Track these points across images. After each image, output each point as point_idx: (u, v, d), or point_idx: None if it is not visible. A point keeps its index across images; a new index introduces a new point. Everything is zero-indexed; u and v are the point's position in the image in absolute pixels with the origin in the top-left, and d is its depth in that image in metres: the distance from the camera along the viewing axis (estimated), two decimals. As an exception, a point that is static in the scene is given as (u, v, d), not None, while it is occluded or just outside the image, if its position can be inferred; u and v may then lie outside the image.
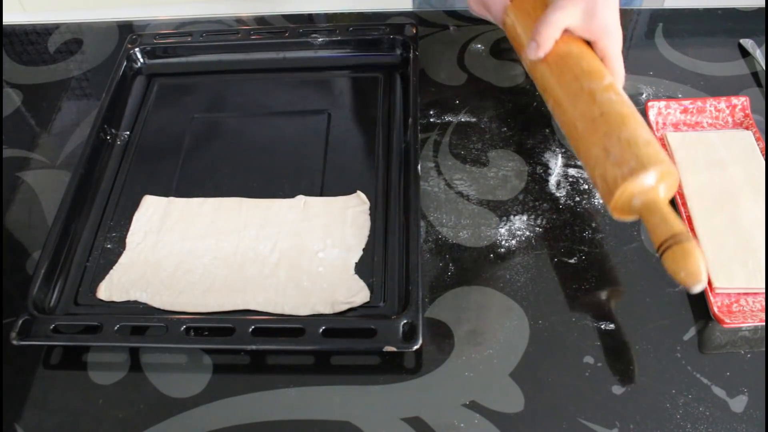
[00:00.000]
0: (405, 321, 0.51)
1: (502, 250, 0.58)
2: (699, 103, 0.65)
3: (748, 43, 0.74)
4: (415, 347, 0.50)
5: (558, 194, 0.62)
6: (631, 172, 0.49)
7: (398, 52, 0.74)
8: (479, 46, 0.76)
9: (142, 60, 0.76)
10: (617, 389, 0.50)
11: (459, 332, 0.54)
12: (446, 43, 0.77)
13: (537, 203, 0.61)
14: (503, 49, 0.76)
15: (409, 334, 0.50)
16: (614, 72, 0.58)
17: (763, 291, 0.53)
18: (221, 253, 0.58)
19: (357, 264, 0.57)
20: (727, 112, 0.66)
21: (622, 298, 0.55)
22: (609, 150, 0.51)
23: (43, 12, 1.93)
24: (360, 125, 0.68)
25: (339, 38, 0.74)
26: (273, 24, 0.81)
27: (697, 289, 0.46)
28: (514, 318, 0.54)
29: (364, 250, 0.58)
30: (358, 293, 0.55)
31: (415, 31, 0.73)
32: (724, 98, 0.66)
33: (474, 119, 0.69)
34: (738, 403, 0.49)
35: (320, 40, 0.74)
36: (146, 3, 1.83)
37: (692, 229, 0.57)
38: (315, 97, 0.72)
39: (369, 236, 0.59)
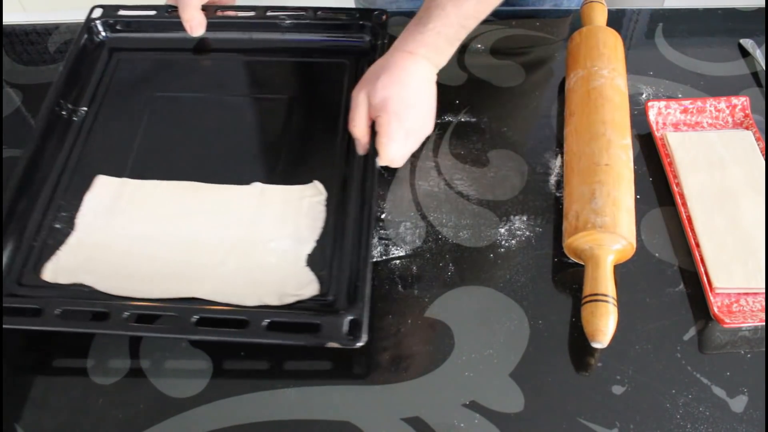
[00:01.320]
0: (350, 317, 0.50)
1: (502, 250, 0.58)
2: (699, 103, 0.65)
3: (748, 43, 0.74)
4: (359, 344, 0.49)
5: (558, 194, 0.62)
6: (602, 225, 0.53)
7: (367, 38, 0.72)
8: (479, 46, 0.76)
9: (104, 33, 0.73)
10: (617, 389, 0.50)
11: (459, 332, 0.54)
12: (446, 43, 0.77)
13: (537, 203, 0.61)
14: (503, 49, 0.76)
15: (354, 331, 0.49)
16: (380, 151, 0.56)
17: (763, 291, 0.53)
18: (172, 239, 0.57)
19: (309, 256, 0.56)
20: (727, 112, 0.66)
21: (622, 298, 0.55)
22: (595, 196, 0.55)
23: (43, 12, 1.93)
24: (323, 112, 0.66)
25: (307, 21, 0.72)
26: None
27: (595, 345, 0.51)
28: (514, 318, 0.54)
29: (317, 241, 0.56)
30: (307, 286, 0.53)
31: (385, 18, 0.71)
32: (724, 98, 0.66)
33: (474, 119, 0.69)
34: (738, 403, 0.49)
35: (288, 22, 0.72)
36: (145, 3, 1.83)
37: (692, 229, 0.57)
38: (279, 81, 0.70)
39: (323, 228, 0.57)
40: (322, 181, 0.60)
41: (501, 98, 0.71)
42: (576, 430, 0.49)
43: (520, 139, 0.67)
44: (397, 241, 0.59)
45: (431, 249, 0.59)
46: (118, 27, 0.74)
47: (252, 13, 0.73)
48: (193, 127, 0.66)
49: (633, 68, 0.73)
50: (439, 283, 0.57)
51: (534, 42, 0.77)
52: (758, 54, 0.72)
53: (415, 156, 0.66)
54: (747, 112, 0.65)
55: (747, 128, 0.65)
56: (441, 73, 0.73)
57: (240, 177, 0.61)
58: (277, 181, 0.61)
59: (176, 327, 0.50)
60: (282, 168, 0.62)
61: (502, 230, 0.60)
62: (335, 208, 0.59)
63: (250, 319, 0.50)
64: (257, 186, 0.60)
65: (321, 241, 0.57)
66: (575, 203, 0.56)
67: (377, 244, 0.59)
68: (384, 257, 0.58)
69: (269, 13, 0.72)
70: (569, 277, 0.56)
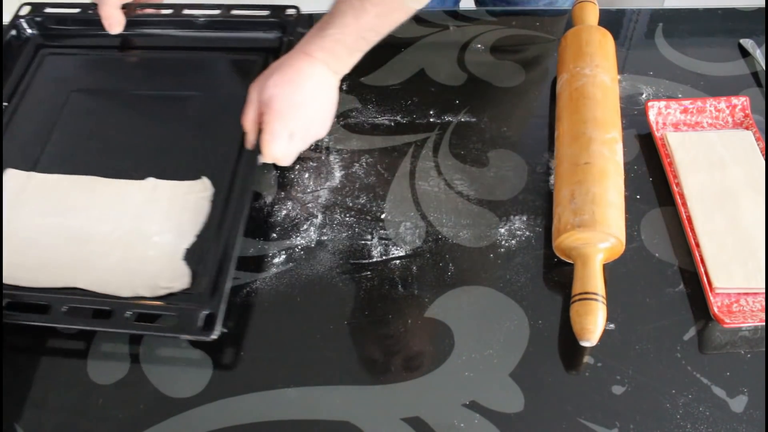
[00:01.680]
0: (206, 311, 0.51)
1: (502, 250, 0.58)
2: (699, 103, 0.65)
3: (748, 43, 0.74)
4: (212, 337, 0.51)
5: (558, 194, 0.62)
6: (581, 224, 0.53)
7: (278, 35, 0.74)
8: (479, 46, 0.76)
9: (30, 30, 0.76)
10: (617, 389, 0.50)
11: (459, 332, 0.54)
12: (446, 43, 0.77)
13: (537, 203, 0.61)
14: (503, 49, 0.76)
15: (208, 324, 0.51)
16: (262, 148, 0.57)
17: (763, 291, 0.53)
18: (65, 231, 0.59)
19: (188, 250, 0.57)
20: (727, 112, 0.66)
21: (622, 298, 0.55)
22: (575, 196, 0.55)
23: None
24: (228, 108, 0.67)
25: (220, 19, 0.74)
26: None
27: (584, 343, 0.51)
28: (514, 318, 0.54)
29: (197, 236, 0.58)
30: (179, 279, 0.55)
31: (296, 14, 0.73)
32: (724, 98, 0.66)
33: (474, 119, 0.69)
34: (738, 403, 0.49)
35: (202, 19, 0.74)
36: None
37: (692, 229, 0.57)
38: (190, 78, 0.72)
39: (205, 223, 0.59)
40: (215, 177, 0.62)
41: (501, 98, 0.71)
42: (576, 430, 0.49)
43: (520, 139, 0.67)
44: (397, 241, 0.59)
45: (431, 249, 0.59)
46: (44, 24, 0.76)
47: (170, 11, 0.75)
48: (104, 123, 0.69)
49: (633, 68, 0.73)
50: (439, 283, 0.57)
51: (534, 42, 0.77)
52: (758, 54, 0.72)
53: (415, 156, 0.66)
54: (747, 112, 0.65)
55: (747, 128, 0.65)
56: (441, 73, 0.74)
57: (139, 172, 0.63)
58: (176, 177, 0.63)
59: (48, 317, 0.52)
60: (179, 163, 0.64)
61: (502, 230, 0.60)
62: (222, 203, 0.60)
63: (115, 309, 0.52)
64: (150, 181, 0.62)
65: (201, 236, 0.58)
66: (559, 206, 0.57)
67: (377, 244, 0.59)
68: (384, 257, 0.58)
69: (185, 11, 0.75)
70: (569, 277, 0.56)
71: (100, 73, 0.73)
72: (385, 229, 0.60)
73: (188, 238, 0.58)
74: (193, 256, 0.57)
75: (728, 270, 0.54)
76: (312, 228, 0.61)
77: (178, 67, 0.73)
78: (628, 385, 0.50)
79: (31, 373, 0.53)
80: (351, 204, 0.62)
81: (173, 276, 0.55)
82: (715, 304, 0.53)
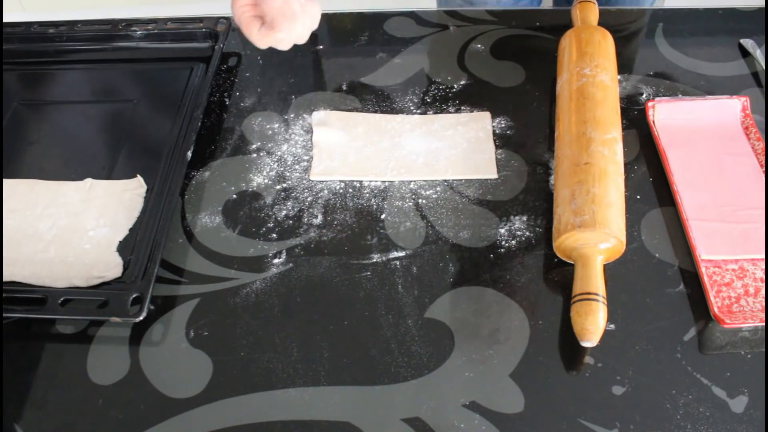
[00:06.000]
0: (134, 294, 0.54)
1: (502, 250, 0.58)
2: (699, 103, 0.65)
3: (748, 43, 0.74)
4: (140, 318, 0.53)
5: (558, 194, 0.62)
6: (582, 224, 0.53)
7: (210, 44, 0.78)
8: (479, 46, 0.76)
9: None
10: (617, 389, 0.50)
11: (459, 332, 0.54)
12: (446, 43, 0.77)
13: (537, 203, 0.61)
14: (503, 49, 0.76)
15: (136, 306, 0.54)
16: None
17: (763, 287, 0.54)
18: (5, 230, 0.62)
19: (121, 242, 0.60)
20: (728, 112, 0.66)
21: (622, 298, 0.55)
22: (575, 197, 0.56)
23: (43, 12, 1.93)
24: (163, 113, 0.72)
25: (156, 31, 0.78)
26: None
27: (585, 344, 0.51)
28: (514, 318, 0.54)
29: (130, 230, 0.61)
30: (112, 269, 0.58)
31: (227, 25, 0.77)
32: (724, 98, 0.66)
33: (474, 119, 0.69)
34: (738, 404, 0.49)
35: (139, 33, 0.78)
36: (146, 3, 1.83)
37: (678, 202, 0.58)
38: (128, 87, 0.76)
39: (138, 217, 0.62)
40: (149, 176, 0.65)
41: (501, 98, 0.71)
42: (576, 430, 0.49)
43: (520, 139, 0.67)
44: (397, 241, 0.59)
45: (431, 249, 0.59)
46: None
47: (108, 26, 0.79)
48: (45, 131, 0.72)
49: (633, 68, 0.73)
50: (439, 284, 0.57)
51: (534, 42, 0.77)
52: (758, 54, 0.72)
53: (415, 156, 0.66)
54: (747, 112, 0.65)
55: (747, 128, 0.65)
56: (441, 73, 0.74)
57: (77, 174, 0.66)
58: (113, 177, 0.66)
59: None
60: (115, 165, 0.68)
61: (502, 230, 0.60)
62: (154, 199, 0.63)
63: (48, 296, 0.55)
64: (88, 181, 0.65)
65: (134, 229, 0.61)
66: (559, 207, 0.57)
67: (377, 244, 0.59)
68: (384, 257, 0.58)
69: (122, 25, 0.79)
70: (569, 277, 0.56)
71: (42, 85, 0.77)
72: (385, 229, 0.60)
73: (122, 232, 0.61)
74: (126, 247, 0.60)
75: (712, 240, 0.55)
76: (312, 228, 0.61)
77: (116, 78, 0.77)
78: (628, 386, 0.50)
79: (31, 373, 0.53)
80: (351, 204, 0.62)
81: (107, 266, 0.58)
82: (715, 304, 0.53)
